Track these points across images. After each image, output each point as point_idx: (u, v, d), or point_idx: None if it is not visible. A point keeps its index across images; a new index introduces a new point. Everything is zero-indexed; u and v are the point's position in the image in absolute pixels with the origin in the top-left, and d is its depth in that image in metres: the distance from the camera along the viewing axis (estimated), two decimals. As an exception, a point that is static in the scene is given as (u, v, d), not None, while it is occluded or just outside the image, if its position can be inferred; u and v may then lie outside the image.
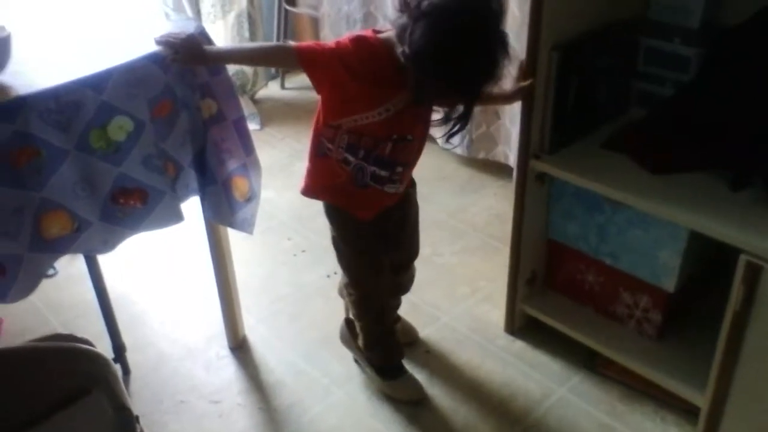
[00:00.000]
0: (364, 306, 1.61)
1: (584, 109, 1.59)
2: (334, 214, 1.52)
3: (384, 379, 1.65)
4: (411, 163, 1.46)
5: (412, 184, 1.58)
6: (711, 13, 1.62)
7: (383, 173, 1.41)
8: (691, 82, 1.59)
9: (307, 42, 1.34)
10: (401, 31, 1.23)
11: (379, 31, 1.35)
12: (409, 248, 1.66)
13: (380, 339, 1.65)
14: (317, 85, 1.34)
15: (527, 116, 1.52)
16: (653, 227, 1.48)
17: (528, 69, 1.47)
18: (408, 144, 1.40)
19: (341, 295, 1.72)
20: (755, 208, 1.34)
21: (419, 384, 1.65)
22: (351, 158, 1.40)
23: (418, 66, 1.22)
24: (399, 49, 1.23)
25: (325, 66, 1.30)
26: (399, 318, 1.78)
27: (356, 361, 1.74)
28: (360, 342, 1.67)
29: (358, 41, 1.30)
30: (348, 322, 1.73)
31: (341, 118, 1.36)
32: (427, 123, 1.44)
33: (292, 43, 1.37)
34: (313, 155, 1.47)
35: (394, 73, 1.27)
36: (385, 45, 1.29)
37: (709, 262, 1.56)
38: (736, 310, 1.28)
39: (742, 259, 1.25)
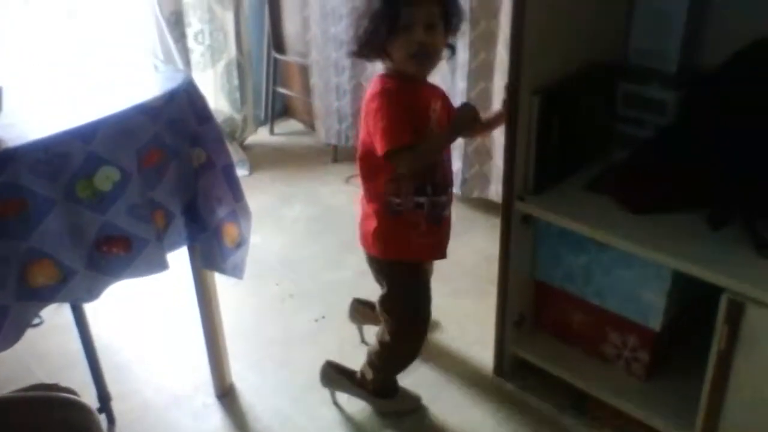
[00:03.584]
0: (409, 345, 1.64)
1: (567, 151, 1.62)
2: (398, 271, 1.56)
3: (387, 398, 1.70)
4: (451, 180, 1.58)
5: None
6: (687, 58, 1.67)
7: (443, 199, 1.53)
8: (670, 124, 1.62)
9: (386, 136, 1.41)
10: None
11: (384, 76, 1.47)
12: None
13: (397, 375, 1.71)
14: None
15: (510, 159, 1.55)
16: (637, 267, 1.49)
17: (510, 111, 1.50)
18: (444, 162, 1.54)
19: (352, 319, 1.93)
20: (735, 246, 1.36)
21: (413, 393, 1.74)
22: (422, 199, 1.48)
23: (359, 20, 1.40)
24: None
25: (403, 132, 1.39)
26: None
27: (335, 402, 1.74)
28: (372, 374, 1.67)
29: (384, 95, 1.41)
30: (331, 364, 1.74)
31: None
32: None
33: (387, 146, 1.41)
34: (384, 218, 1.50)
35: (418, 92, 1.45)
36: (394, 76, 1.44)
37: (696, 300, 1.57)
38: (720, 349, 1.28)
39: (724, 297, 1.26)
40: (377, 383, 1.68)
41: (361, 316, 1.92)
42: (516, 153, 1.53)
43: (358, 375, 1.70)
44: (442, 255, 1.60)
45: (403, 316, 1.59)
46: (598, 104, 1.68)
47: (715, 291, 1.28)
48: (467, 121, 1.46)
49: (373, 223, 1.51)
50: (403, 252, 1.54)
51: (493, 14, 2.21)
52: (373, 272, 1.61)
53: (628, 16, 1.69)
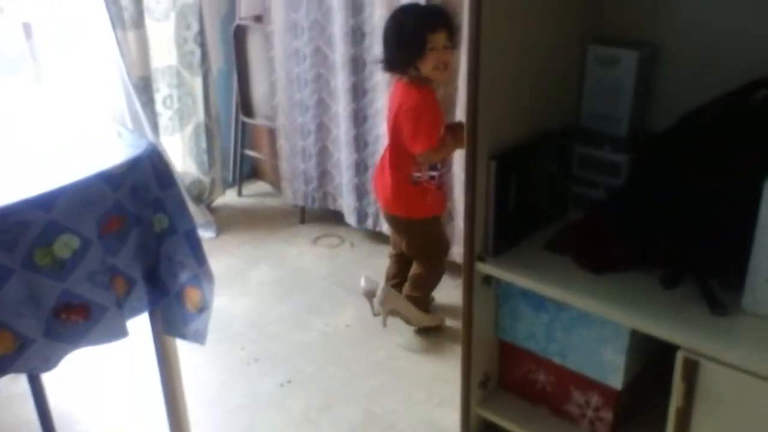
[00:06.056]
0: (439, 269, 2.27)
1: (525, 212, 1.66)
2: (422, 224, 2.17)
3: (427, 312, 2.27)
4: None
5: None
6: (637, 121, 1.75)
7: (446, 171, 2.22)
8: (623, 185, 1.68)
9: (423, 140, 2.02)
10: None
11: (413, 84, 2.03)
12: None
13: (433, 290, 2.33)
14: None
15: (470, 221, 1.58)
16: (596, 325, 1.52)
17: (468, 175, 1.54)
18: None
19: (366, 295, 2.29)
20: (688, 304, 1.39)
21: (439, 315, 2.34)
22: (434, 173, 2.10)
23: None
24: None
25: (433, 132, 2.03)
26: None
27: (385, 321, 2.26)
28: (417, 294, 2.24)
29: (421, 105, 2.02)
30: (390, 287, 2.26)
31: None
32: None
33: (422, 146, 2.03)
34: (405, 185, 2.11)
35: (436, 96, 2.09)
36: (422, 83, 2.03)
37: (657, 357, 1.59)
38: (678, 406, 1.30)
39: (680, 355, 1.29)
40: (422, 300, 2.25)
41: (392, 302, 2.26)
42: (475, 215, 1.57)
43: (405, 298, 2.24)
44: (445, 208, 2.30)
45: (431, 252, 2.23)
46: (554, 167, 1.74)
47: (673, 348, 1.31)
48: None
49: (399, 193, 2.11)
50: (424, 210, 2.14)
51: (452, 79, 2.29)
52: (396, 229, 2.24)
53: (580, 82, 1.77)
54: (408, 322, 2.25)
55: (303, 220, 3.05)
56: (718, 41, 1.59)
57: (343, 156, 2.76)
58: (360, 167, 2.70)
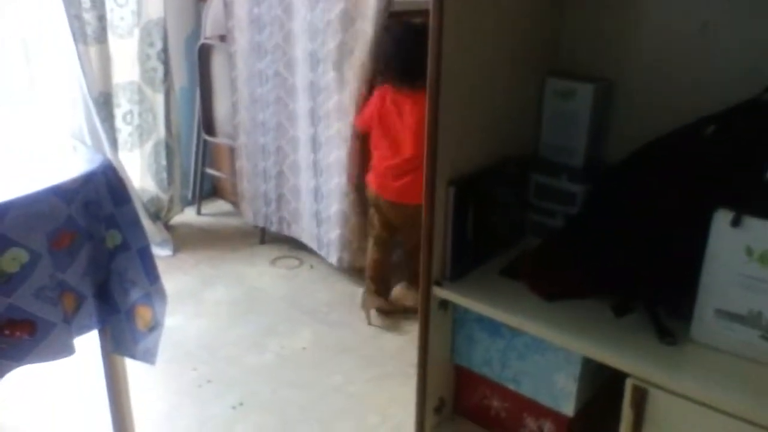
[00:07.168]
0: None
1: (483, 238, 1.68)
2: None
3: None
4: None
5: None
6: (593, 153, 1.78)
7: None
8: (578, 215, 1.71)
9: None
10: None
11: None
12: None
13: None
14: None
15: (428, 246, 1.59)
16: (550, 352, 1.53)
17: (427, 200, 1.56)
18: None
19: (364, 307, 2.46)
20: (639, 332, 1.42)
21: None
22: None
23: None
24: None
25: None
26: None
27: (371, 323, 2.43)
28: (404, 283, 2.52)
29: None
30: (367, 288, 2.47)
31: None
32: None
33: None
34: None
35: None
36: None
37: (608, 384, 1.61)
38: (627, 434, 1.32)
39: (629, 382, 1.31)
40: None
41: (372, 303, 2.44)
42: (433, 240, 1.58)
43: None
44: None
45: None
46: (512, 195, 1.76)
47: (624, 376, 1.33)
48: None
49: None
50: None
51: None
52: (417, 218, 2.16)
53: (538, 114, 1.81)
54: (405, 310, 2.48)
55: (263, 241, 3.03)
56: (669, 79, 1.65)
57: (301, 181, 2.75)
58: (317, 194, 2.69)
